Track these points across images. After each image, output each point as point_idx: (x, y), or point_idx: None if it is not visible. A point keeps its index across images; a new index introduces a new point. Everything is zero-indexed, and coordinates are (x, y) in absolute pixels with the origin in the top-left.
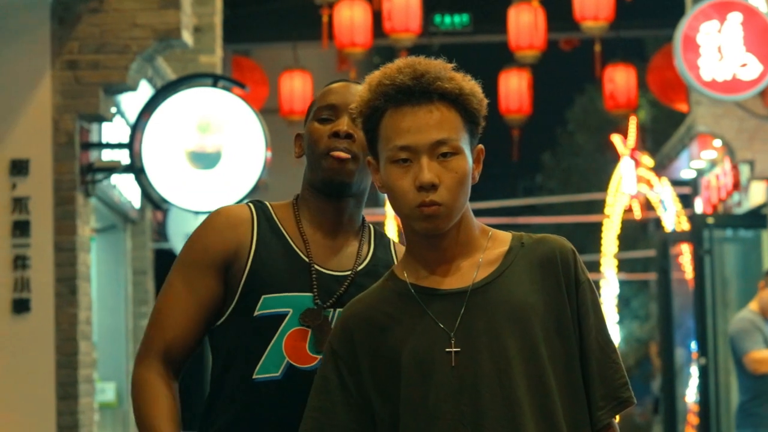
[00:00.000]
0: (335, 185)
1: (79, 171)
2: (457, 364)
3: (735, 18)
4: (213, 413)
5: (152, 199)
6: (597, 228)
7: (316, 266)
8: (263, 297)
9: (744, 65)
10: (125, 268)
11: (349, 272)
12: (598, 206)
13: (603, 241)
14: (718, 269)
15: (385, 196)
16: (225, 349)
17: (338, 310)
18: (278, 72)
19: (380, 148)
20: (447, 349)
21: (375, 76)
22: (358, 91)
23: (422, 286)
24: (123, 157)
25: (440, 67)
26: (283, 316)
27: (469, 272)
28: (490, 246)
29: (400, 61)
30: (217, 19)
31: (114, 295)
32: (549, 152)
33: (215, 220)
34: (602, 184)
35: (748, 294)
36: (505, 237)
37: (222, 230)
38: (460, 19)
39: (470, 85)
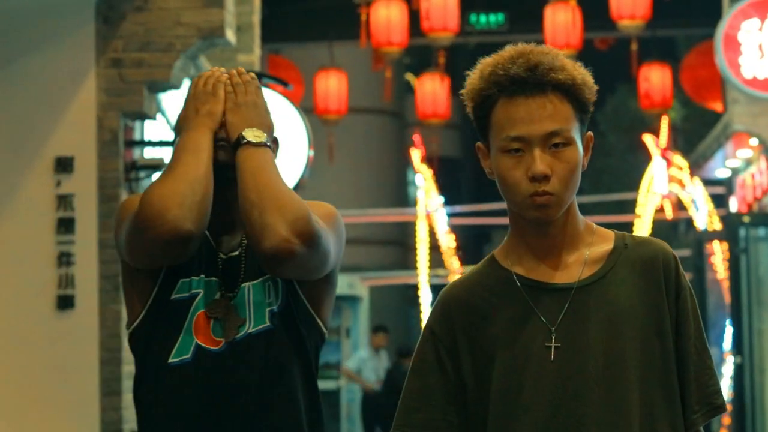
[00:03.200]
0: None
1: (123, 168)
2: (556, 359)
3: None
4: (137, 403)
5: None
6: (628, 228)
7: (221, 254)
8: (180, 280)
9: None
10: None
11: (238, 251)
12: (629, 206)
13: None
14: (753, 268)
15: (417, 196)
16: (144, 340)
17: (242, 286)
18: (311, 71)
19: (492, 137)
20: (547, 344)
21: (487, 64)
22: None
23: (527, 278)
24: (166, 154)
25: (552, 56)
26: (194, 298)
27: (574, 268)
28: (595, 242)
29: (512, 50)
30: (256, 18)
31: None
32: None
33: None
34: (633, 184)
35: None
36: (608, 235)
37: None
38: (496, 19)
39: (582, 74)
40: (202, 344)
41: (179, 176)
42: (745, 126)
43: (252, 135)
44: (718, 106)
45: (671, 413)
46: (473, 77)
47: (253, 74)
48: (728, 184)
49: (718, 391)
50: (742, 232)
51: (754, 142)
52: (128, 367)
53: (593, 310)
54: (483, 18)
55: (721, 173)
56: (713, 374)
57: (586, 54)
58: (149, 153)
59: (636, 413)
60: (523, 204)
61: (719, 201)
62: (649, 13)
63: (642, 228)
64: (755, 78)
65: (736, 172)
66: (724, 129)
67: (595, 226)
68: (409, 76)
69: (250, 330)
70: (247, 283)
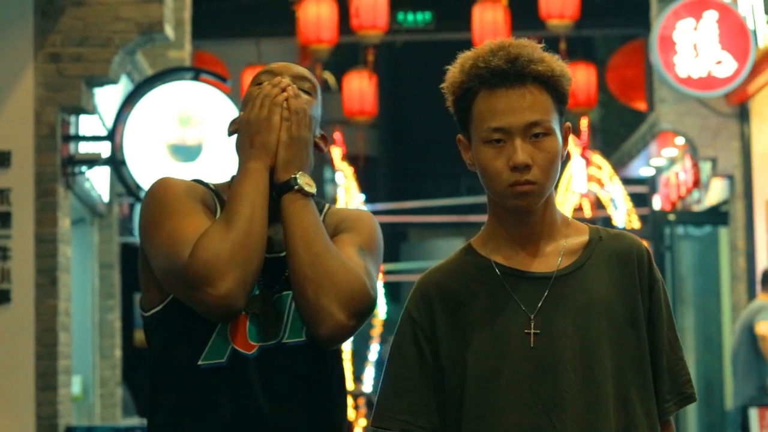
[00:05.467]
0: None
1: (61, 163)
2: (535, 346)
3: (711, 16)
4: (157, 401)
5: (133, 192)
6: None
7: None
8: None
9: (719, 62)
10: (92, 261)
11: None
12: None
13: None
14: (676, 266)
15: (336, 193)
16: (165, 333)
17: (284, 293)
18: (237, 68)
19: (473, 129)
20: (526, 331)
21: (468, 57)
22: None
23: (506, 266)
24: (102, 149)
25: (531, 48)
26: None
27: (552, 258)
28: (571, 233)
29: (491, 44)
30: (187, 14)
31: (81, 288)
32: None
33: (178, 183)
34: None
35: (705, 290)
36: (583, 227)
37: (199, 193)
38: (423, 17)
39: (560, 66)
40: (239, 349)
41: (240, 237)
42: (672, 125)
43: (305, 182)
44: (642, 106)
45: (645, 401)
46: (454, 71)
47: (307, 98)
48: (651, 183)
49: (689, 381)
50: (667, 230)
51: (680, 140)
52: (64, 361)
53: (571, 299)
54: (410, 16)
55: (645, 172)
56: (684, 365)
57: None
58: (85, 148)
59: (612, 400)
60: (504, 193)
61: (640, 200)
62: (578, 13)
63: None
64: (690, 77)
65: (659, 170)
66: (651, 128)
67: (570, 218)
68: (327, 75)
69: (285, 340)
70: (288, 292)
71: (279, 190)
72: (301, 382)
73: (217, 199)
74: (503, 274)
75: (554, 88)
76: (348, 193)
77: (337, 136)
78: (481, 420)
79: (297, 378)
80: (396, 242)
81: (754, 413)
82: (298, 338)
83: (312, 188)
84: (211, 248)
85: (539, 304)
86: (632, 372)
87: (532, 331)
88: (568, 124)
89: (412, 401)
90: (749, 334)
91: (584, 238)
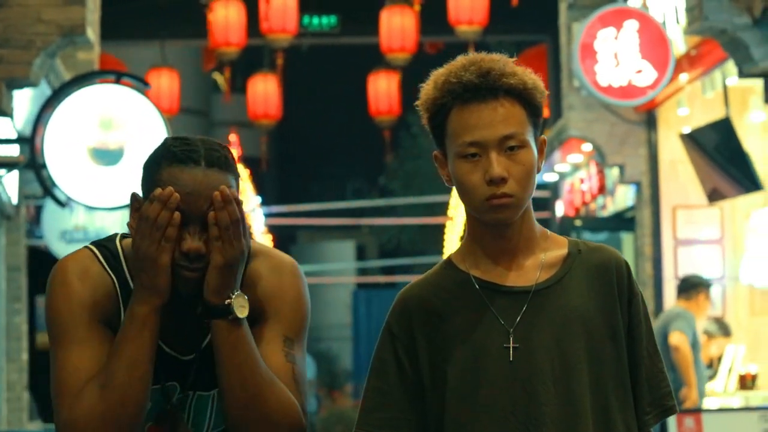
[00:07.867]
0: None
1: None
2: (514, 360)
3: (631, 25)
4: None
5: (53, 195)
6: (439, 230)
7: (163, 347)
8: None
9: (639, 71)
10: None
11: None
12: (441, 208)
13: (446, 243)
14: None
15: None
16: None
17: (203, 393)
18: (138, 70)
19: (448, 144)
20: (505, 345)
21: (440, 73)
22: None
23: (485, 280)
24: (15, 152)
25: (503, 62)
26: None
27: (531, 272)
28: (550, 247)
29: (463, 59)
30: (96, 16)
31: None
32: (392, 154)
33: (79, 287)
34: (446, 187)
35: None
36: (562, 240)
37: (91, 295)
38: (328, 21)
39: (532, 79)
40: None
41: (112, 410)
42: (581, 132)
43: (239, 304)
44: (544, 112)
45: (625, 414)
46: (427, 88)
47: (236, 198)
48: (554, 189)
49: (670, 393)
50: (573, 235)
51: (587, 147)
52: None
53: (549, 313)
54: (315, 20)
55: (549, 177)
56: (664, 377)
57: (418, 58)
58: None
59: (590, 414)
60: (481, 207)
61: (542, 205)
62: (487, 19)
63: (454, 230)
64: (610, 86)
65: (562, 176)
66: (558, 134)
67: (548, 231)
68: (217, 76)
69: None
70: (208, 393)
71: (210, 313)
72: None
73: (120, 289)
74: (482, 288)
75: (527, 101)
76: (243, 195)
77: (233, 138)
78: None
79: None
80: (285, 245)
81: (672, 419)
82: (219, 428)
83: (245, 310)
84: (82, 421)
85: (518, 318)
86: (611, 385)
87: (511, 345)
88: (544, 137)
89: (392, 415)
90: (662, 340)
91: (563, 251)
